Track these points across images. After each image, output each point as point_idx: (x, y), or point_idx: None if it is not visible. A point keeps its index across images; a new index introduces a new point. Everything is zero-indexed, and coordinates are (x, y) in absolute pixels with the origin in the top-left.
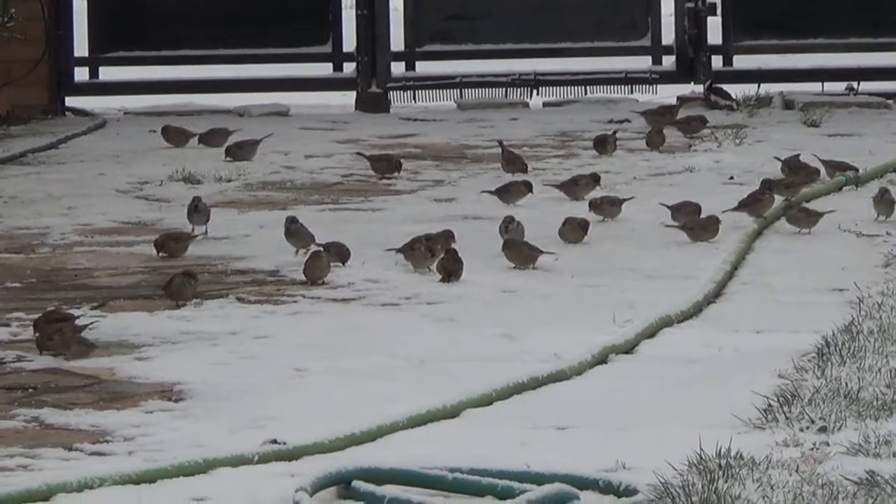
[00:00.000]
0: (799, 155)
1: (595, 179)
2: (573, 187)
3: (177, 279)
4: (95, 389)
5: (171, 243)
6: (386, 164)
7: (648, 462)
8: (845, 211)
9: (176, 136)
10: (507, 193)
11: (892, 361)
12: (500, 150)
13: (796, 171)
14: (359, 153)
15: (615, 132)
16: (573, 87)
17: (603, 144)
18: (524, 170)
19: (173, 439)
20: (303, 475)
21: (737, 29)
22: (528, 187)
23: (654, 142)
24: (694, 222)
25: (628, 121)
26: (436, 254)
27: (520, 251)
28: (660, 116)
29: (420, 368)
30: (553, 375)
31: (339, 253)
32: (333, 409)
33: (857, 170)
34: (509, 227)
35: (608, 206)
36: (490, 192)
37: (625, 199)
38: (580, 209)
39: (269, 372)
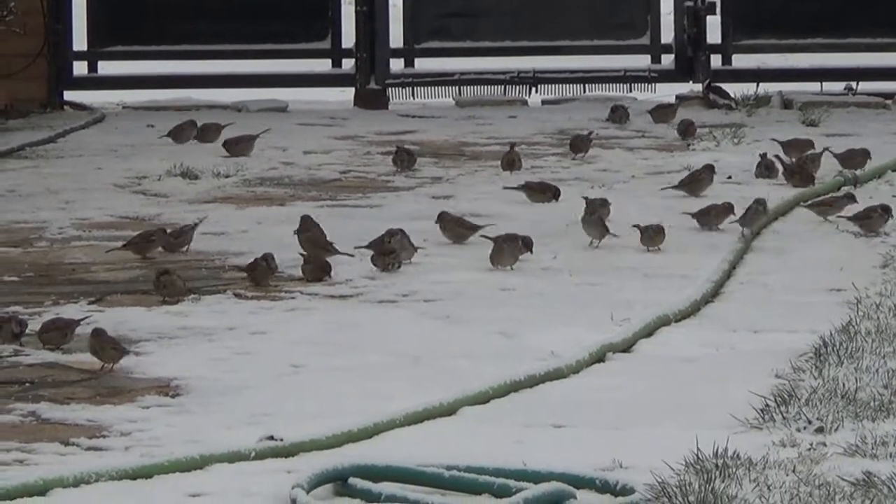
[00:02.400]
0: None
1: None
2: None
3: (158, 278)
4: (92, 384)
5: (171, 240)
6: (409, 157)
7: (645, 461)
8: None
9: (185, 133)
10: (544, 194)
11: (889, 362)
12: (497, 147)
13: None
14: (398, 148)
15: (590, 133)
16: (572, 85)
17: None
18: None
19: (170, 435)
20: (299, 472)
21: (736, 28)
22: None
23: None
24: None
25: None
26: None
27: (452, 228)
28: (663, 113)
29: (417, 366)
30: (550, 374)
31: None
32: (330, 405)
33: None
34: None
35: (600, 206)
36: (513, 188)
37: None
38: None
39: (266, 368)
